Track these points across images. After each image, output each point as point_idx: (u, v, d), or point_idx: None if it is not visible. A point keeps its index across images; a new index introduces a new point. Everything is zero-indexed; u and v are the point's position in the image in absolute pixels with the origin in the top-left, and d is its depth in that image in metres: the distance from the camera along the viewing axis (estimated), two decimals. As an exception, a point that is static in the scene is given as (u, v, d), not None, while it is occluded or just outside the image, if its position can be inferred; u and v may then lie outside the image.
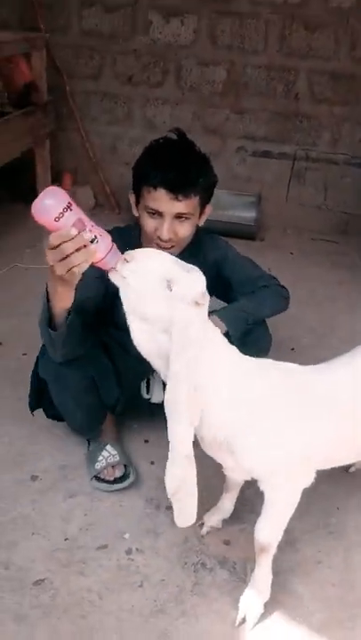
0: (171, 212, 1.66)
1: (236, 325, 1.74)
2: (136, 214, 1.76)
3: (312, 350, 2.70)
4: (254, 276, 1.95)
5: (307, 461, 1.44)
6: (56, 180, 4.10)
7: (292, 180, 4.03)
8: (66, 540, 1.71)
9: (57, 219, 1.17)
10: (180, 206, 1.65)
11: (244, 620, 1.51)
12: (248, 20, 3.64)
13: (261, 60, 3.73)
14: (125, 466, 1.91)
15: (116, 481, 1.87)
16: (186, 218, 1.69)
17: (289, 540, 1.75)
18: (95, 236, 1.21)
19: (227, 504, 1.77)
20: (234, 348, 1.38)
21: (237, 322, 1.76)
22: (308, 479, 1.47)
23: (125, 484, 1.87)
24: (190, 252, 1.85)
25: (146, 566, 1.65)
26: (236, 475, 1.54)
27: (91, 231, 1.21)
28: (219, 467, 1.57)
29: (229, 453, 1.39)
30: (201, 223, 1.81)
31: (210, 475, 1.61)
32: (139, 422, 2.14)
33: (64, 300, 1.40)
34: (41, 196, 1.17)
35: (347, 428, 1.47)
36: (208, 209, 1.80)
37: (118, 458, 1.91)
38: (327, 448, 1.47)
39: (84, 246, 1.19)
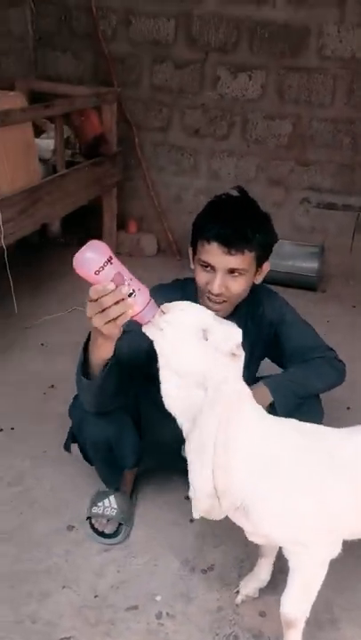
0: (223, 267, 1.63)
1: (282, 396, 1.70)
2: (192, 267, 1.76)
3: (369, 411, 2.58)
4: (310, 344, 1.87)
5: (327, 531, 1.35)
6: (122, 227, 4.22)
7: (357, 232, 3.95)
8: (96, 597, 1.67)
9: (97, 272, 1.18)
10: (233, 261, 1.62)
11: None
12: (316, 74, 3.67)
13: (328, 113, 3.73)
14: (120, 525, 1.87)
15: (103, 534, 1.85)
16: (239, 273, 1.65)
17: (331, 619, 1.64)
18: (133, 290, 1.22)
19: (263, 570, 1.68)
20: (258, 406, 1.34)
21: (285, 392, 1.71)
22: (333, 549, 1.38)
23: (111, 541, 1.85)
24: (248, 310, 1.84)
25: (176, 633, 1.58)
26: (257, 540, 1.46)
27: (129, 285, 1.21)
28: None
29: (246, 517, 1.33)
30: (258, 281, 1.77)
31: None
32: (180, 477, 2.09)
33: (102, 352, 1.40)
34: (83, 248, 1.19)
35: None
36: (266, 267, 1.76)
37: (115, 514, 1.87)
38: (351, 518, 1.37)
39: (122, 300, 1.20)
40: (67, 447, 1.95)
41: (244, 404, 1.29)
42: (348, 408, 2.60)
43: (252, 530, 1.38)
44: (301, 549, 1.36)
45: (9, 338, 2.97)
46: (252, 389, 1.71)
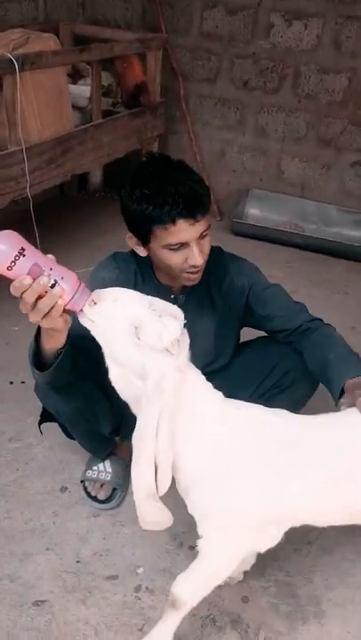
0: (195, 237, 1.51)
1: None
2: (143, 254, 1.61)
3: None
4: (290, 307, 1.75)
5: (257, 528, 1.27)
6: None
7: None
8: (77, 562, 1.64)
9: (9, 267, 1.09)
10: (201, 226, 1.51)
11: None
12: (378, 24, 3.36)
13: (389, 68, 3.44)
14: (114, 489, 1.82)
15: (96, 499, 1.80)
16: (205, 234, 1.54)
17: (316, 612, 1.56)
18: (55, 280, 1.12)
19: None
20: (218, 394, 1.27)
21: None
22: (242, 548, 1.32)
23: (103, 506, 1.81)
24: (213, 280, 1.72)
25: (152, 608, 1.53)
26: (200, 521, 1.34)
27: (50, 275, 1.11)
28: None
29: (186, 496, 1.27)
30: None
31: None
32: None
33: (53, 343, 1.32)
34: None
35: (325, 496, 1.28)
36: None
37: (109, 478, 1.82)
38: (293, 515, 1.29)
39: (46, 292, 1.11)
40: (39, 425, 1.85)
41: (194, 393, 1.21)
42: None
43: (192, 510, 1.30)
44: (223, 538, 1.28)
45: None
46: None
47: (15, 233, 1.11)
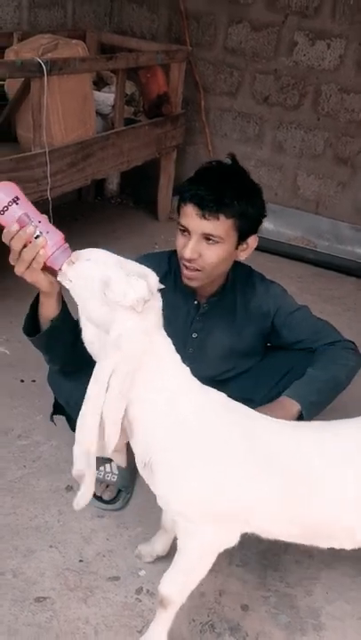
0: (197, 231, 1.55)
1: (310, 404, 1.62)
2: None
3: None
4: (313, 332, 1.79)
5: (220, 515, 1.26)
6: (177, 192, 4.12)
7: None
8: (80, 561, 1.66)
9: (2, 212, 1.17)
10: (208, 225, 1.53)
11: None
12: None
13: None
14: (119, 490, 1.84)
15: (101, 499, 1.82)
16: (215, 241, 1.56)
17: (315, 625, 1.57)
18: (40, 232, 1.19)
19: (158, 542, 1.65)
20: (185, 369, 1.27)
21: (312, 398, 1.63)
22: (224, 539, 1.30)
23: (108, 507, 1.82)
24: (239, 299, 1.77)
25: (151, 611, 1.54)
26: (162, 505, 1.34)
27: (36, 227, 1.19)
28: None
29: (151, 476, 1.27)
30: (242, 258, 1.68)
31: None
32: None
33: (45, 310, 1.37)
34: None
35: (287, 499, 1.27)
36: (252, 242, 1.66)
37: (115, 479, 1.84)
38: (252, 511, 1.27)
39: (30, 242, 1.18)
40: (52, 418, 1.90)
41: (164, 362, 1.22)
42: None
43: (154, 489, 1.29)
44: (190, 528, 1.28)
45: (45, 291, 2.97)
46: (275, 403, 1.62)
47: (14, 184, 1.20)
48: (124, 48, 3.63)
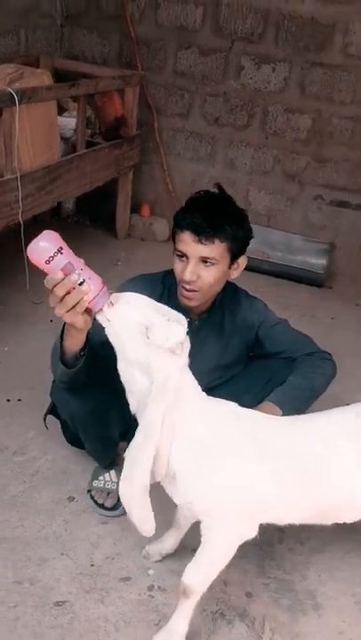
0: (195, 255, 1.70)
1: (291, 409, 1.78)
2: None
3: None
4: (294, 343, 1.97)
5: (240, 512, 1.41)
6: (135, 210, 4.26)
7: (368, 232, 3.99)
8: (92, 565, 1.75)
9: (48, 261, 1.26)
10: (204, 250, 1.69)
11: None
12: (339, 71, 3.67)
13: (349, 111, 3.75)
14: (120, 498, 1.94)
15: (103, 507, 1.92)
16: (211, 263, 1.72)
17: (313, 605, 1.72)
18: (83, 279, 1.28)
19: (169, 540, 1.77)
20: (201, 393, 1.42)
21: (292, 404, 1.80)
22: (244, 532, 1.45)
23: (111, 513, 1.92)
24: (226, 312, 1.94)
25: (165, 605, 1.66)
26: (185, 511, 1.50)
27: (79, 274, 1.28)
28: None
29: (174, 485, 1.41)
30: (234, 276, 1.84)
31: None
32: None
33: (74, 343, 1.47)
34: (37, 238, 1.27)
35: (297, 488, 1.44)
36: (242, 261, 1.82)
37: (116, 487, 1.93)
38: (268, 505, 1.44)
39: (74, 288, 1.27)
40: (44, 420, 2.02)
41: (188, 392, 1.37)
42: (348, 404, 2.66)
43: (178, 498, 1.44)
44: (215, 524, 1.42)
45: (20, 312, 3.03)
46: (258, 408, 1.79)
47: (56, 233, 1.29)
48: (77, 73, 3.74)
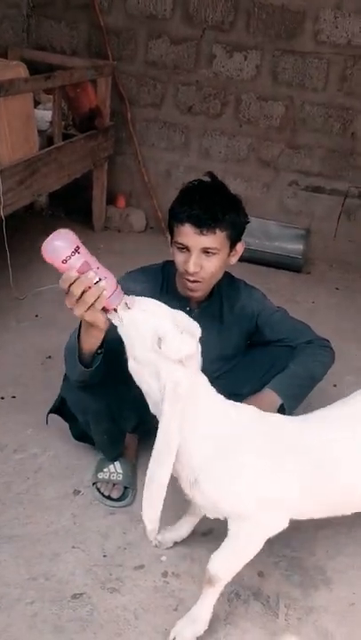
0: (197, 246, 1.72)
1: (291, 396, 1.83)
2: (171, 251, 1.83)
3: (355, 387, 2.69)
4: (293, 330, 2.01)
5: (269, 507, 1.45)
6: (110, 202, 4.23)
7: (342, 217, 4.06)
8: (104, 556, 1.76)
9: (64, 261, 1.26)
10: (206, 241, 1.71)
11: None
12: (310, 58, 3.72)
13: (320, 97, 3.80)
14: (126, 488, 1.96)
15: (110, 498, 1.94)
16: (213, 253, 1.74)
17: (324, 580, 1.77)
18: (100, 278, 1.29)
19: (184, 527, 1.80)
20: (217, 396, 1.44)
21: (292, 392, 1.85)
22: (274, 526, 1.49)
23: (118, 504, 1.94)
24: (226, 301, 1.96)
25: (181, 590, 1.68)
26: (210, 514, 1.52)
27: (96, 273, 1.29)
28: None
29: (199, 491, 1.43)
30: (232, 262, 1.86)
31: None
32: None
33: (92, 342, 1.48)
34: (52, 237, 1.26)
35: (317, 482, 1.47)
36: (240, 247, 1.84)
37: (121, 478, 1.96)
38: (294, 501, 1.47)
39: (91, 286, 1.28)
40: (47, 417, 2.04)
41: (200, 395, 1.39)
42: (335, 385, 2.72)
43: (204, 502, 1.47)
44: (243, 521, 1.46)
45: (4, 309, 2.99)
46: (258, 396, 1.82)
47: (72, 232, 1.29)
48: (46, 64, 3.70)
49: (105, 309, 1.34)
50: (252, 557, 1.50)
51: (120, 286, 1.34)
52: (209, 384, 1.45)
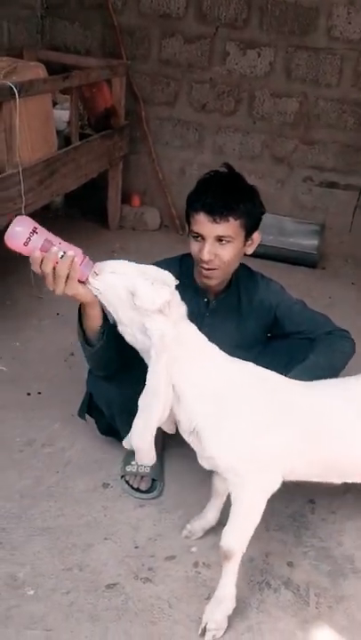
0: (211, 235, 1.74)
1: None
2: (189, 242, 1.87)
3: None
4: (313, 322, 2.01)
5: (263, 465, 1.49)
6: (125, 201, 4.26)
7: (357, 211, 4.07)
8: (136, 547, 1.79)
9: (26, 243, 1.34)
10: (220, 229, 1.73)
11: (205, 631, 1.54)
12: (324, 54, 3.74)
13: (334, 93, 3.81)
14: (153, 480, 1.98)
15: (139, 490, 1.97)
16: (227, 241, 1.76)
17: (352, 569, 1.79)
18: (64, 252, 1.36)
19: (210, 512, 1.83)
20: (213, 346, 1.50)
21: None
22: (269, 485, 1.52)
23: (147, 496, 1.96)
24: (244, 293, 1.98)
25: (213, 580, 1.70)
26: (205, 464, 1.56)
27: (59, 248, 1.36)
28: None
29: (198, 441, 1.48)
30: (249, 252, 1.88)
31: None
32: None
33: (92, 321, 1.53)
34: (11, 224, 1.34)
35: (314, 443, 1.52)
36: (256, 237, 1.87)
37: (148, 471, 1.98)
38: (289, 459, 1.51)
39: (57, 262, 1.34)
40: (82, 415, 2.07)
41: (198, 345, 1.46)
42: (355, 379, 2.73)
43: (202, 452, 1.51)
44: (239, 480, 1.49)
45: (26, 307, 3.03)
46: None
47: (28, 217, 1.37)
48: (61, 64, 3.73)
49: (82, 283, 1.40)
50: (257, 522, 1.53)
51: (87, 257, 1.40)
52: (200, 333, 1.50)
